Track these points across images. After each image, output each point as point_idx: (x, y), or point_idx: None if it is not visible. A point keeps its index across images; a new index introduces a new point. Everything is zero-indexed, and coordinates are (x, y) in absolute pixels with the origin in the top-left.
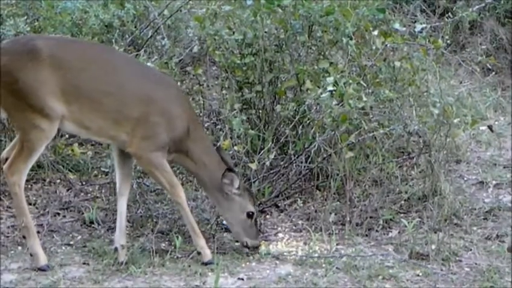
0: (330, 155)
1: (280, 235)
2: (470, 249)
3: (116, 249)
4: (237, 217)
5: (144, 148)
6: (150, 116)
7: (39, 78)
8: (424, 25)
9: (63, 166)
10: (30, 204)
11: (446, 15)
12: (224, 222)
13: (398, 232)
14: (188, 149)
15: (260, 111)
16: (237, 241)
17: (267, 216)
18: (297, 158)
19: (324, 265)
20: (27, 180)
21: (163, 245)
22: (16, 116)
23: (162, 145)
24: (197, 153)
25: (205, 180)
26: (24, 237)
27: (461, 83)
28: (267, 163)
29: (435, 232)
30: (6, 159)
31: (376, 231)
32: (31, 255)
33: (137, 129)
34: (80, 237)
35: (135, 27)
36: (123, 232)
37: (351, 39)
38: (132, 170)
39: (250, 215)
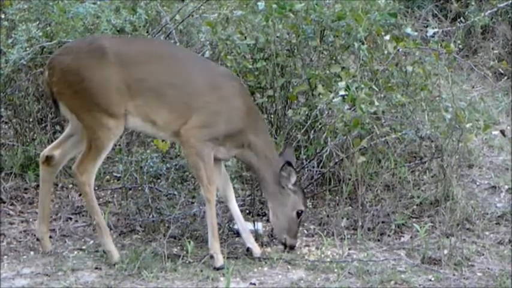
0: (342, 159)
1: None
2: (483, 254)
3: (248, 249)
4: (287, 213)
5: (198, 137)
6: (212, 105)
7: (105, 76)
8: (436, 30)
9: None
10: None
11: (458, 19)
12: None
13: (411, 237)
14: (250, 142)
15: (272, 115)
16: (274, 238)
17: None
18: (309, 162)
19: (336, 270)
20: (38, 185)
21: (176, 249)
22: (83, 115)
23: (216, 136)
24: (260, 146)
25: (265, 173)
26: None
27: (473, 87)
28: None
29: (447, 237)
30: (47, 157)
31: (388, 236)
32: (104, 252)
33: (195, 118)
34: (92, 242)
35: (147, 32)
36: (248, 233)
37: (363, 43)
38: (226, 172)
39: (299, 214)
